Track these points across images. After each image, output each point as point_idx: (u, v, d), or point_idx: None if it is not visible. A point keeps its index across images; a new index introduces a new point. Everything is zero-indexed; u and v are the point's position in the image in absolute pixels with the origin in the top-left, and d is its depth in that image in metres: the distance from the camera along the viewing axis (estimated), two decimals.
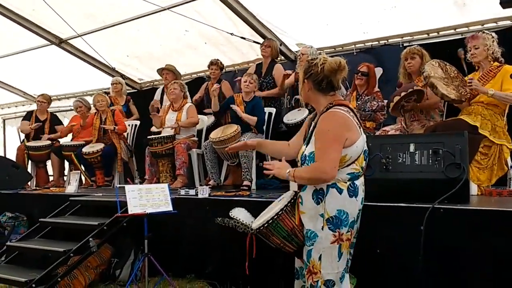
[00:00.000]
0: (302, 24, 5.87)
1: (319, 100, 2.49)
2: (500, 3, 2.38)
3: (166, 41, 6.86)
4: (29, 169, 6.79)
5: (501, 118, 3.76)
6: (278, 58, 6.45)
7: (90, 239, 3.83)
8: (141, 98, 7.54)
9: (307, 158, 2.44)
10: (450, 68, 3.90)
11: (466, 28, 5.12)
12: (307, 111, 5.05)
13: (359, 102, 4.79)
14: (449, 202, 2.81)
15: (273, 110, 5.63)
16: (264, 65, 5.93)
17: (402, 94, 4.02)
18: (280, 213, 2.52)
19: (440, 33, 5.36)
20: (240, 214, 2.78)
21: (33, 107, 9.10)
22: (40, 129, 6.92)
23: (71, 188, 5.31)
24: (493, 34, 3.87)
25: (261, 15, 5.80)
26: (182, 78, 7.13)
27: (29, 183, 6.59)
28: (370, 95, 4.78)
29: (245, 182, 4.94)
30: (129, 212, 3.72)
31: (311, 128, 2.53)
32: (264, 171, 2.60)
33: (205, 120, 5.97)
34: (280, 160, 2.62)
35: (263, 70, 5.89)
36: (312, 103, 2.59)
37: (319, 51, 6.09)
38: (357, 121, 2.43)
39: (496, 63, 3.82)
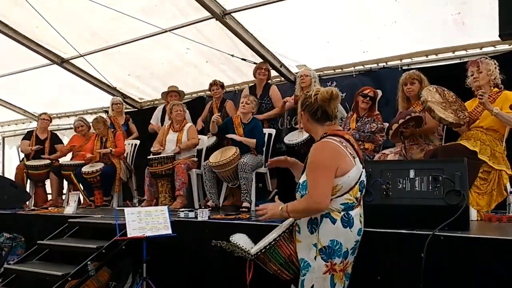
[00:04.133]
0: (302, 45, 5.91)
1: (317, 130, 2.54)
2: (500, 36, 2.40)
3: (167, 60, 6.90)
4: (27, 188, 6.79)
5: (500, 143, 3.76)
6: (278, 79, 6.54)
7: (89, 262, 3.81)
8: (142, 117, 7.56)
9: (300, 186, 2.47)
10: (448, 93, 3.93)
11: (465, 52, 5.16)
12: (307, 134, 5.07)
13: (358, 124, 4.83)
14: (449, 229, 2.80)
15: (272, 131, 5.65)
16: (258, 87, 5.99)
17: (400, 121, 4.04)
18: (278, 239, 2.52)
19: (439, 55, 5.39)
20: (240, 240, 2.77)
21: (33, 125, 9.14)
22: (40, 149, 6.92)
23: (70, 209, 5.29)
24: (495, 60, 3.92)
25: (261, 37, 5.85)
26: (184, 96, 7.18)
27: (27, 202, 6.57)
28: (370, 117, 4.82)
29: (245, 204, 4.94)
30: (128, 235, 3.71)
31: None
32: (257, 214, 2.63)
33: (205, 141, 5.98)
34: None
35: (258, 91, 5.94)
36: (311, 133, 2.66)
37: (319, 73, 6.17)
38: (351, 151, 2.42)
39: (496, 89, 3.86)
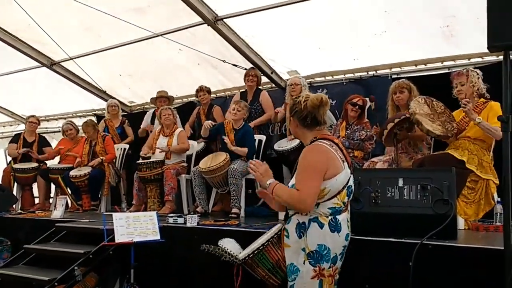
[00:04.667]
0: (293, 52, 5.94)
1: (306, 136, 2.56)
2: (488, 48, 2.44)
3: (159, 64, 6.87)
4: (14, 192, 6.71)
5: (488, 153, 3.81)
6: (269, 86, 6.56)
7: (76, 267, 3.77)
8: (131, 121, 7.51)
9: None
10: (436, 104, 3.97)
11: (453, 62, 5.23)
12: (298, 140, 5.10)
13: (348, 131, 4.87)
14: (437, 238, 2.83)
15: (263, 137, 5.66)
16: (249, 93, 5.99)
17: (396, 120, 4.05)
18: (266, 244, 2.53)
19: (428, 65, 5.45)
20: (228, 244, 2.78)
21: (21, 127, 9.06)
22: (27, 152, 6.85)
23: (57, 213, 5.23)
24: (478, 71, 3.97)
25: (253, 43, 5.87)
26: (173, 101, 7.17)
27: (14, 206, 6.49)
28: (360, 125, 4.86)
29: (234, 210, 4.93)
30: (116, 241, 3.68)
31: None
32: (248, 168, 2.61)
33: (195, 146, 5.97)
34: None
35: (249, 97, 5.94)
36: (300, 139, 2.69)
37: (310, 80, 6.19)
38: (341, 155, 2.45)
39: (482, 99, 3.91)
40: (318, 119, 2.51)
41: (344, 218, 2.44)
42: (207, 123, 5.42)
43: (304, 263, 2.38)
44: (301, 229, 2.40)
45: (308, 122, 2.51)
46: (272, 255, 2.53)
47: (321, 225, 2.37)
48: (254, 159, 2.73)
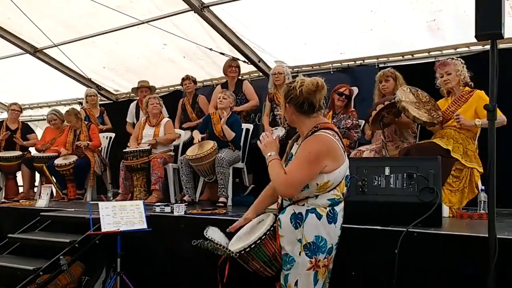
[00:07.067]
0: (280, 42, 5.92)
1: (304, 123, 2.44)
2: (476, 37, 2.45)
3: (144, 54, 6.82)
4: None
5: (473, 142, 3.85)
6: (256, 75, 6.54)
7: (61, 257, 3.73)
8: (117, 109, 7.46)
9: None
10: (421, 94, 4.00)
11: (440, 52, 5.26)
12: (284, 129, 5.10)
13: (334, 120, 4.88)
14: (422, 225, 2.86)
15: (250, 126, 5.65)
16: (230, 84, 5.95)
17: (386, 103, 4.05)
18: (263, 237, 2.45)
19: (415, 55, 5.48)
20: (214, 234, 2.73)
21: (4, 115, 8.90)
22: (10, 139, 6.74)
23: (42, 202, 5.17)
24: (461, 60, 4.01)
25: (240, 32, 5.83)
26: (159, 91, 7.11)
27: None
28: (346, 114, 4.88)
29: (221, 199, 4.92)
30: (102, 230, 3.65)
31: (293, 150, 2.51)
32: (262, 135, 2.58)
33: (182, 135, 5.93)
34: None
35: (231, 88, 5.87)
36: (297, 126, 2.53)
37: (297, 69, 6.18)
38: (342, 145, 2.40)
39: (467, 88, 3.94)
40: (315, 104, 2.39)
41: (341, 208, 2.42)
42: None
43: (300, 254, 2.35)
44: (298, 219, 2.36)
45: (305, 108, 2.39)
46: (269, 248, 2.46)
47: (319, 216, 2.33)
48: (266, 132, 2.67)
